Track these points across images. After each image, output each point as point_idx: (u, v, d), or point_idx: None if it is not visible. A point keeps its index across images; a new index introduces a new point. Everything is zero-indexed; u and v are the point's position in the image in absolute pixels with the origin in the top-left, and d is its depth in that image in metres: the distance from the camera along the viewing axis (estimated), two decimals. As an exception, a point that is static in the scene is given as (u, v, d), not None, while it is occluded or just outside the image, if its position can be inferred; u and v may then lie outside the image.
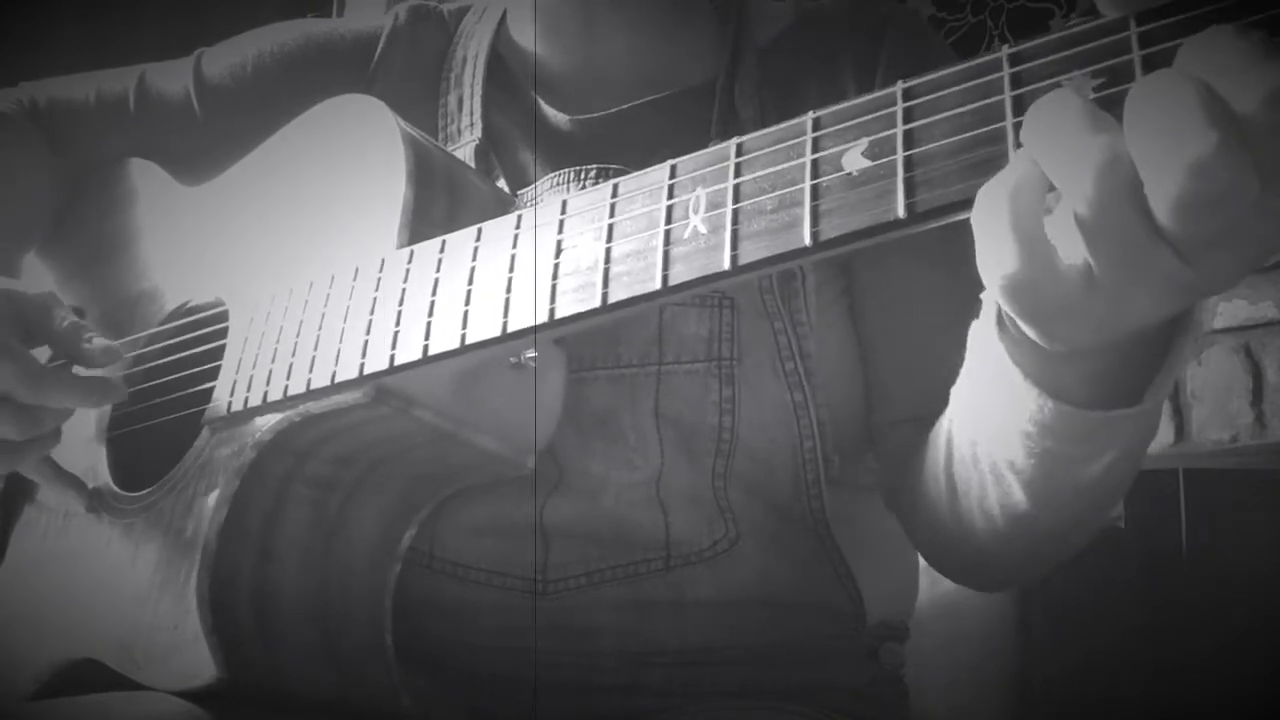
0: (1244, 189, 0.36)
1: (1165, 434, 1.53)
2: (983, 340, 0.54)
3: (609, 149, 0.83)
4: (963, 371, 0.61)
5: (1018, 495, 0.62)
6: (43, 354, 0.85)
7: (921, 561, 0.89)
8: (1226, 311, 1.47)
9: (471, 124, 0.87)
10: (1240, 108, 0.36)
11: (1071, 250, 0.41)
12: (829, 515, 0.81)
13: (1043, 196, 0.40)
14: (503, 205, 0.76)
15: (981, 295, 0.52)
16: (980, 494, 0.65)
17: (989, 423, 0.60)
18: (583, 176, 0.81)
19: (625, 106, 0.86)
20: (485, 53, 0.90)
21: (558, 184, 0.82)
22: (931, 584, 0.84)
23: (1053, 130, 0.39)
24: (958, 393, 0.64)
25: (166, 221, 0.92)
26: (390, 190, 0.68)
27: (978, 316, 0.55)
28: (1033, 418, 0.54)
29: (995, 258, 0.41)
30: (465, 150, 0.85)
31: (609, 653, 0.78)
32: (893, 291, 0.82)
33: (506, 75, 0.91)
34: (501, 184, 0.83)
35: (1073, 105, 0.38)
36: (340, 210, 0.72)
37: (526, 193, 0.83)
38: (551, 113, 0.88)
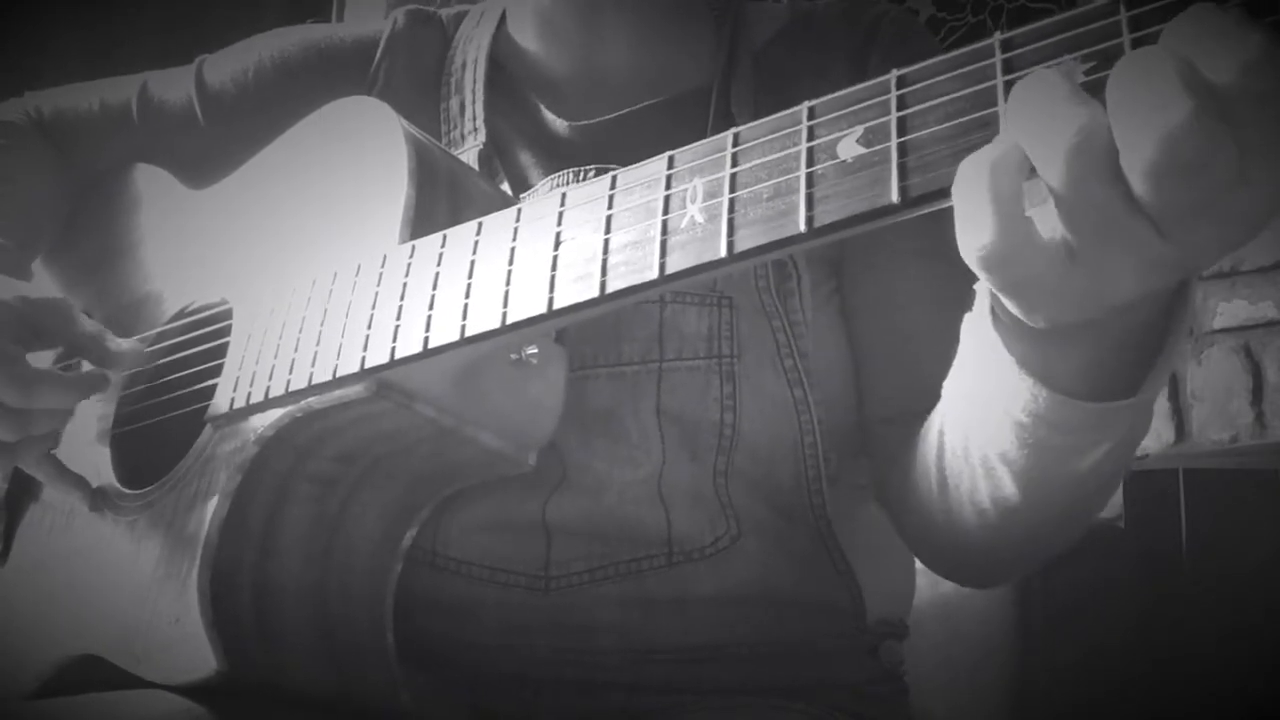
0: (1220, 158, 0.37)
1: (1165, 434, 1.53)
2: (976, 330, 0.55)
3: (607, 154, 0.84)
4: (955, 362, 0.61)
5: (1009, 488, 0.62)
6: (46, 357, 0.85)
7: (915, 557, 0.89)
8: (1226, 311, 1.47)
9: (475, 129, 0.87)
10: (1216, 79, 0.36)
11: (1049, 226, 0.41)
12: (829, 512, 0.81)
13: (1023, 172, 0.40)
14: (505, 206, 0.77)
15: (976, 287, 0.53)
16: (971, 487, 0.65)
17: (982, 413, 0.60)
18: (581, 177, 0.82)
19: (623, 112, 0.86)
20: (485, 57, 0.91)
21: (557, 185, 0.82)
22: (931, 583, 0.85)
23: (1032, 107, 0.39)
24: (950, 384, 0.64)
25: (171, 225, 0.92)
26: (393, 189, 0.69)
27: (971, 309, 0.55)
28: (1026, 407, 0.54)
29: (971, 228, 0.42)
30: (469, 155, 0.86)
31: (611, 650, 0.78)
32: (883, 289, 0.82)
33: (506, 79, 0.91)
34: (504, 188, 0.84)
35: (1054, 83, 0.39)
36: (343, 210, 0.73)
37: (528, 196, 0.83)
38: (550, 118, 0.88)
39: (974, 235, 0.42)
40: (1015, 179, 0.40)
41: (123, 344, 0.81)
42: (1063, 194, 0.40)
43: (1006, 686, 1.02)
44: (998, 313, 0.52)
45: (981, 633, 1.02)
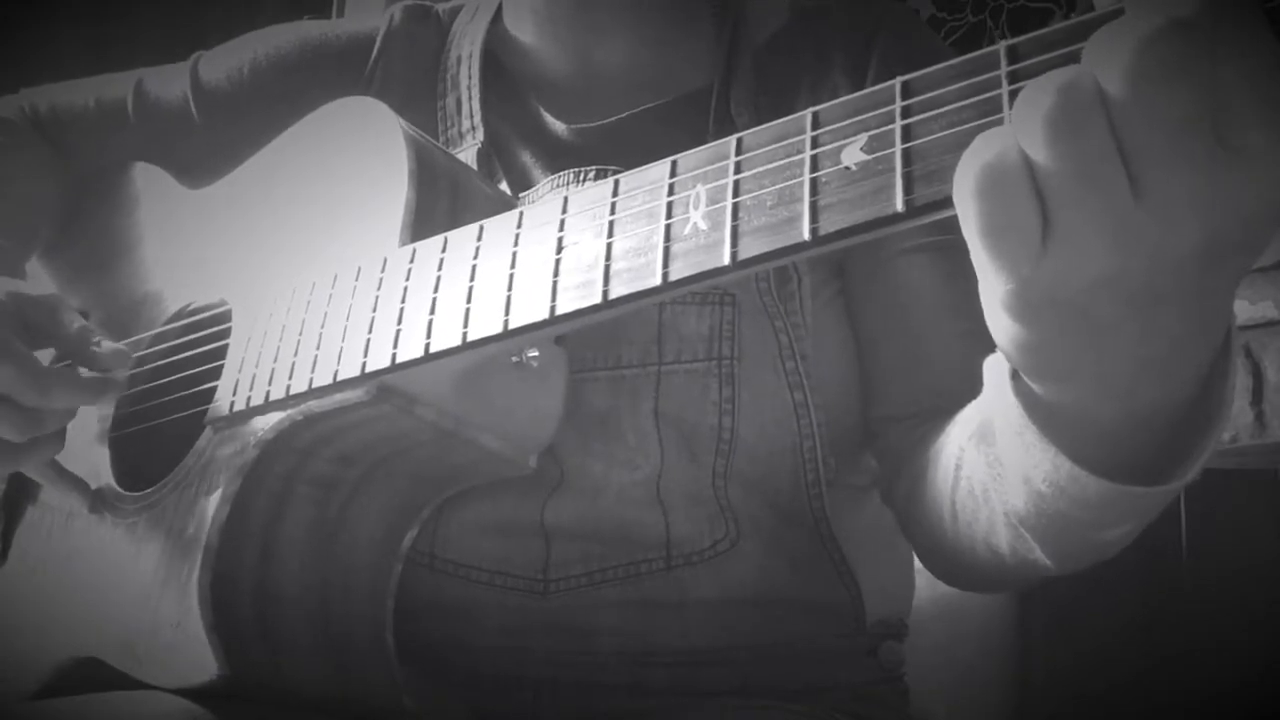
0: (1196, 66, 0.36)
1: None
2: (998, 387, 0.53)
3: (608, 156, 0.84)
4: (977, 409, 0.60)
5: (1036, 552, 0.60)
6: (45, 355, 0.85)
7: (919, 561, 0.89)
8: (1226, 312, 1.46)
9: (473, 127, 0.87)
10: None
11: (1030, 206, 0.39)
12: (829, 514, 0.81)
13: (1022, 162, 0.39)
14: (505, 207, 0.76)
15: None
16: (988, 530, 0.64)
17: (1002, 474, 0.58)
18: (582, 178, 0.81)
19: (623, 115, 0.86)
20: (479, 53, 0.90)
21: (558, 186, 0.82)
22: (931, 583, 0.84)
23: (1025, 94, 0.38)
24: (969, 434, 0.63)
25: (170, 224, 0.92)
26: (393, 191, 0.69)
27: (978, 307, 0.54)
28: (1047, 477, 0.52)
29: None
30: (468, 154, 0.85)
31: (610, 652, 0.78)
32: (890, 288, 0.82)
33: (503, 76, 0.91)
34: (504, 187, 0.83)
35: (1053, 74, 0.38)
36: (343, 211, 0.73)
37: (528, 195, 0.83)
38: (550, 120, 0.88)
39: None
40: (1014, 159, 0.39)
41: (105, 346, 0.80)
42: (1042, 154, 0.38)
43: (1006, 686, 1.02)
44: (1019, 377, 0.50)
45: (982, 633, 1.02)
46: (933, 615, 0.97)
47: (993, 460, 0.59)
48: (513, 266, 0.58)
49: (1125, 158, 0.38)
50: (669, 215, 0.50)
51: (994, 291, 0.43)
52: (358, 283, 0.67)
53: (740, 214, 0.47)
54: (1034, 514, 0.56)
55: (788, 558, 0.80)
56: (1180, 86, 0.36)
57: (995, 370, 0.53)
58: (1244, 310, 1.41)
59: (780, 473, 0.80)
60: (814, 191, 0.45)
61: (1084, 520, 0.54)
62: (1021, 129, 0.38)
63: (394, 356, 0.62)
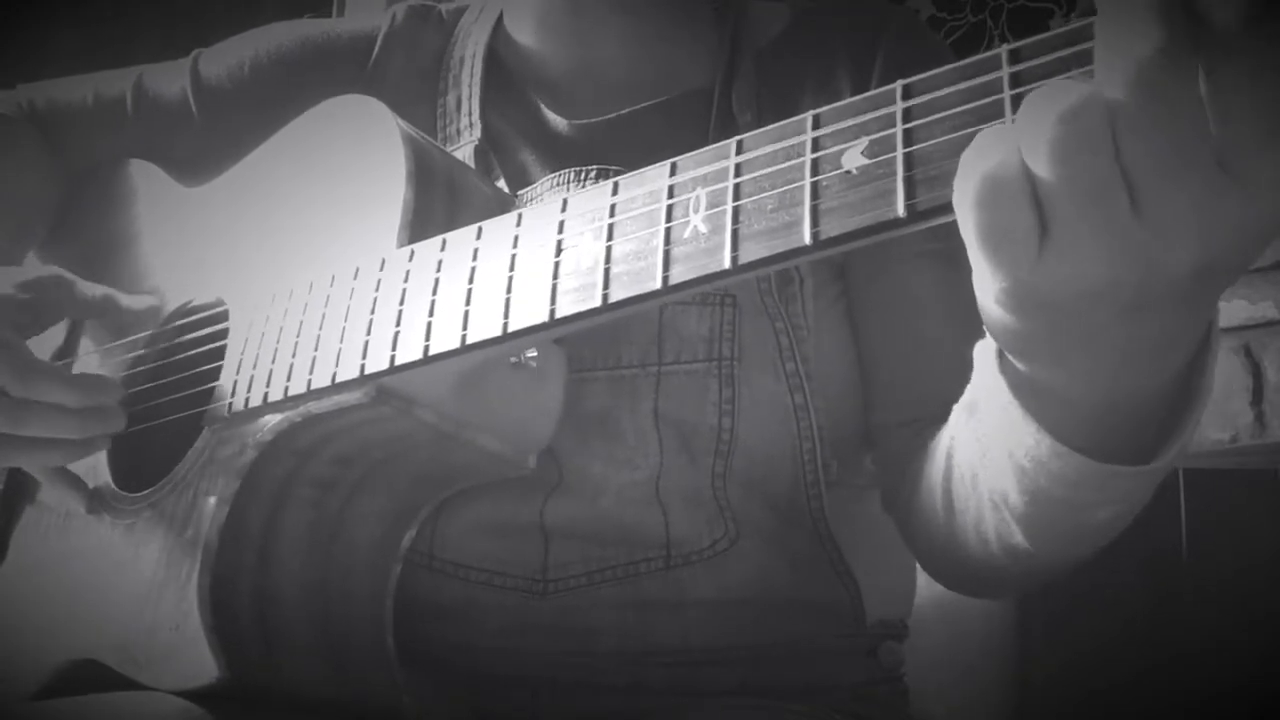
0: (1188, 93, 0.36)
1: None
2: (985, 363, 0.53)
3: (608, 153, 0.83)
4: (968, 391, 0.60)
5: (1017, 535, 0.61)
6: (42, 353, 0.85)
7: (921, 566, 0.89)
8: (1226, 311, 1.46)
9: (470, 124, 0.87)
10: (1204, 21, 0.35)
11: (1029, 215, 0.40)
12: (828, 514, 0.81)
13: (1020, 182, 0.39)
14: (503, 206, 0.76)
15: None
16: (977, 517, 0.65)
17: (988, 451, 0.59)
18: (583, 177, 0.81)
19: (624, 111, 0.86)
20: (483, 52, 0.90)
21: (558, 185, 0.82)
22: (931, 584, 0.84)
23: (1032, 106, 0.38)
24: (959, 413, 0.63)
25: (167, 222, 0.92)
26: (390, 191, 0.68)
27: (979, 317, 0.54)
28: (1029, 453, 0.53)
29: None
30: (464, 151, 0.85)
31: (609, 653, 0.78)
32: (892, 293, 0.82)
33: (505, 75, 0.91)
34: (501, 184, 0.83)
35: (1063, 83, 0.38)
36: (340, 211, 0.72)
37: (527, 193, 0.83)
38: (551, 116, 0.88)
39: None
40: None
41: (137, 300, 0.79)
42: (1045, 172, 0.38)
43: (1006, 687, 1.02)
44: (1005, 356, 0.51)
45: (982, 633, 1.02)
46: (933, 616, 0.97)
47: (980, 436, 0.60)
48: (511, 269, 0.58)
49: (1127, 177, 0.38)
50: (669, 218, 0.50)
51: (988, 286, 0.44)
52: (355, 283, 0.67)
53: (741, 217, 0.47)
54: (1016, 491, 0.57)
55: (786, 558, 0.80)
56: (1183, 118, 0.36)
57: (983, 351, 0.54)
58: (1244, 310, 1.41)
59: (779, 473, 0.80)
60: (815, 195, 0.45)
61: (1065, 499, 0.54)
62: (1026, 145, 0.38)
63: (392, 359, 0.62)
